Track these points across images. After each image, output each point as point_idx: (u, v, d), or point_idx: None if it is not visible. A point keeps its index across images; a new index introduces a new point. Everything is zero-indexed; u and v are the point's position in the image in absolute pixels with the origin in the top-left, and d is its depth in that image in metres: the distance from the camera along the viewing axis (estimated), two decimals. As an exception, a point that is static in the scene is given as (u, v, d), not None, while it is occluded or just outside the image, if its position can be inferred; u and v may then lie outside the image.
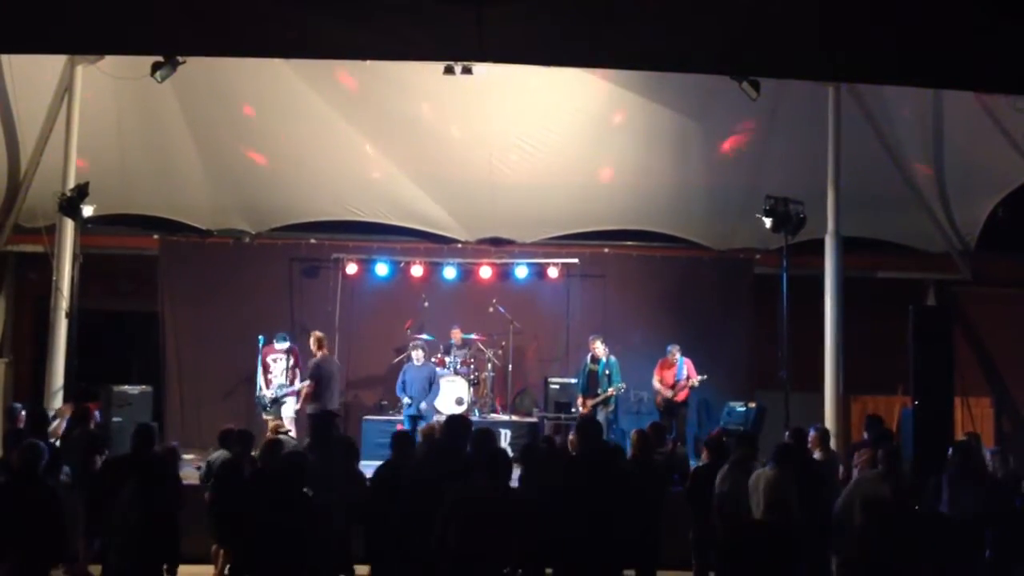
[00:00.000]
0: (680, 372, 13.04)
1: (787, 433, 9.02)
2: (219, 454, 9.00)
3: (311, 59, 11.83)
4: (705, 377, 13.10)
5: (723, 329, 14.67)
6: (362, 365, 14.61)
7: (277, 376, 12.63)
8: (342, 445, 8.69)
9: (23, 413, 9.70)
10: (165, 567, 6.90)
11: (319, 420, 9.12)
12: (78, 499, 8.46)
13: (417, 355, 12.78)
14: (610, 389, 12.83)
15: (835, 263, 12.39)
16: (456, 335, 13.91)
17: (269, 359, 12.72)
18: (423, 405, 12.44)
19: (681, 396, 13.03)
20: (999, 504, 8.06)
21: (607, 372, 12.91)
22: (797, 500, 7.77)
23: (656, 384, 13.17)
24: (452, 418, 8.19)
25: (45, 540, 7.02)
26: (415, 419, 12.39)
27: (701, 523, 8.26)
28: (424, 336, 13.99)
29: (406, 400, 12.69)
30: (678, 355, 13.12)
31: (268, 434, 9.72)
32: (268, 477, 7.51)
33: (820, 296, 12.41)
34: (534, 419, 13.77)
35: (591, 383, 13.04)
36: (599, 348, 13.08)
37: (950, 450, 8.82)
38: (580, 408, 12.94)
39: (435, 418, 11.66)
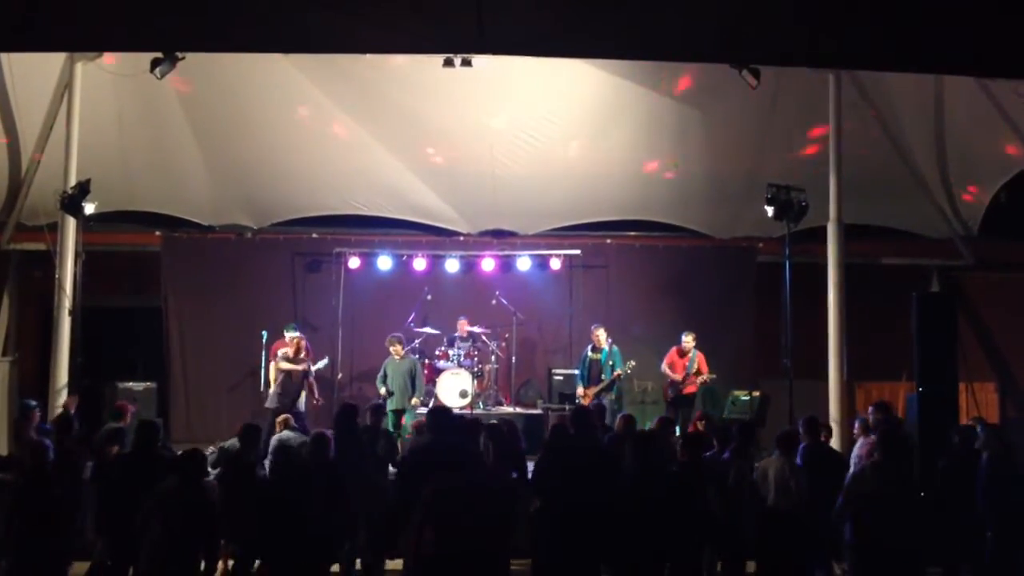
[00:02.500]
0: (692, 364, 12.96)
1: (800, 422, 8.98)
2: (232, 442, 9.06)
3: (311, 54, 11.81)
4: (714, 376, 13.01)
5: (726, 318, 14.67)
6: (365, 359, 14.61)
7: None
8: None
9: (36, 411, 9.76)
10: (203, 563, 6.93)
11: (342, 414, 9.11)
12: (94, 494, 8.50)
13: (395, 349, 12.77)
14: (616, 371, 12.77)
15: (837, 250, 12.38)
16: (462, 327, 13.92)
17: (279, 352, 12.80)
18: (414, 400, 12.51)
19: (690, 389, 12.97)
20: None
21: (610, 361, 12.88)
22: (808, 487, 7.80)
23: (665, 369, 13.13)
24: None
25: (59, 537, 7.07)
26: (398, 413, 12.43)
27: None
28: (427, 329, 14.03)
29: (383, 391, 12.71)
30: (692, 344, 13.03)
31: (278, 429, 9.76)
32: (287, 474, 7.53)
33: (823, 283, 12.39)
34: (538, 411, 13.78)
35: (593, 372, 13.02)
36: (601, 337, 13.05)
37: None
38: (581, 398, 12.89)
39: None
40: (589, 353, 13.16)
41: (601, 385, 12.83)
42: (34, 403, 10.07)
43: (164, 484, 6.86)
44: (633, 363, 12.94)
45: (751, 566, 8.01)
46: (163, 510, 6.71)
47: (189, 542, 6.71)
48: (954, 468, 8.39)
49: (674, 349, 13.19)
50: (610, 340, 13.08)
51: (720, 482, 7.82)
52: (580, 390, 13.07)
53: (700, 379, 12.91)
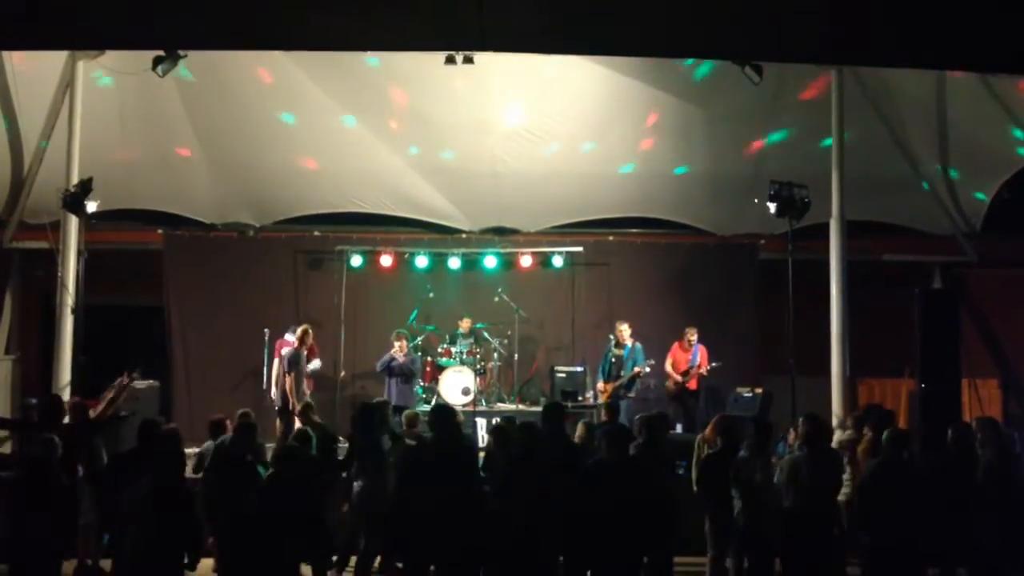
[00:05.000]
0: (695, 358, 12.98)
1: (802, 418, 8.93)
2: (208, 445, 9.08)
3: (312, 51, 11.81)
4: (717, 364, 13.04)
5: (729, 315, 14.65)
6: (367, 357, 14.59)
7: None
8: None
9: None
10: (185, 561, 6.92)
11: (365, 412, 9.09)
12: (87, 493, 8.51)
13: (400, 344, 12.85)
14: (636, 368, 12.72)
15: (840, 247, 12.38)
16: (465, 324, 13.94)
17: (283, 352, 12.86)
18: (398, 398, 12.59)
19: (691, 384, 13.00)
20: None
21: (631, 358, 12.83)
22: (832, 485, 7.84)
23: (668, 368, 13.13)
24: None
25: (58, 535, 7.08)
26: (400, 410, 12.42)
27: (717, 510, 8.23)
28: (430, 327, 14.04)
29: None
30: (694, 338, 13.06)
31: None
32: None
33: (825, 280, 12.40)
34: (540, 408, 13.73)
35: (614, 369, 12.96)
36: (625, 333, 12.98)
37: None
38: (599, 393, 12.84)
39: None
40: (612, 348, 13.09)
41: (620, 381, 12.78)
42: (35, 401, 10.08)
43: (139, 485, 6.84)
44: (652, 362, 12.93)
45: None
46: (140, 509, 6.70)
47: (168, 543, 6.69)
48: (951, 466, 8.34)
49: (676, 344, 13.22)
50: (633, 337, 13.03)
51: (741, 480, 7.84)
52: (600, 384, 13.01)
53: (701, 370, 12.93)
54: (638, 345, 12.95)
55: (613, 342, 13.10)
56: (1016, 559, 7.76)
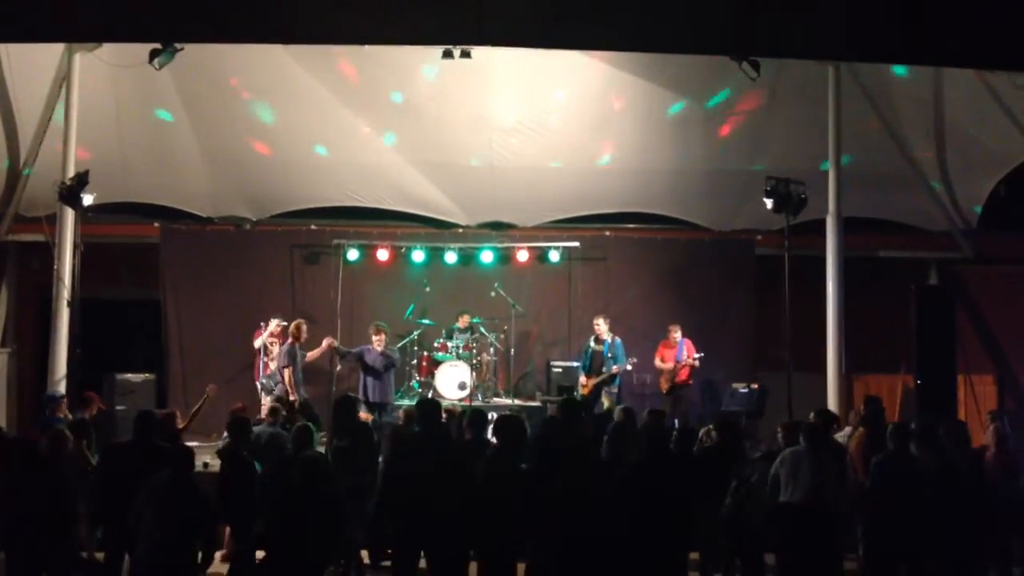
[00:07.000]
0: (680, 353, 13.09)
1: (812, 414, 8.94)
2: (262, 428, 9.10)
3: (309, 44, 11.80)
4: (702, 355, 13.12)
5: (725, 310, 14.68)
6: (364, 351, 14.66)
7: (274, 360, 12.84)
8: (363, 432, 8.80)
9: (63, 401, 9.79)
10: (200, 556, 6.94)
11: (344, 405, 9.06)
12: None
13: (379, 339, 12.75)
14: (615, 367, 12.81)
15: (836, 243, 12.40)
16: (463, 321, 13.96)
17: (268, 343, 12.90)
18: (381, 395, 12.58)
19: (683, 376, 13.09)
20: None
21: (611, 353, 12.91)
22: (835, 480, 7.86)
23: (658, 362, 13.25)
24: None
25: (58, 526, 7.07)
26: (375, 406, 12.42)
27: (709, 505, 8.23)
28: (425, 321, 14.04)
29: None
30: (678, 335, 13.17)
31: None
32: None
33: (822, 276, 12.41)
34: (537, 403, 13.79)
35: (594, 363, 13.05)
36: (603, 328, 13.09)
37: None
38: (582, 389, 12.94)
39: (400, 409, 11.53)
40: (591, 344, 13.20)
41: (601, 377, 12.85)
42: (58, 395, 10.09)
43: (158, 477, 6.86)
44: (635, 360, 13.00)
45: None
46: (157, 504, 6.71)
47: (184, 535, 6.71)
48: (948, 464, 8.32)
49: (662, 344, 13.36)
50: (612, 332, 13.11)
51: (738, 476, 7.84)
52: (583, 379, 13.12)
53: (690, 361, 13.00)
54: (617, 340, 13.04)
55: (592, 338, 13.19)
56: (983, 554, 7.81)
